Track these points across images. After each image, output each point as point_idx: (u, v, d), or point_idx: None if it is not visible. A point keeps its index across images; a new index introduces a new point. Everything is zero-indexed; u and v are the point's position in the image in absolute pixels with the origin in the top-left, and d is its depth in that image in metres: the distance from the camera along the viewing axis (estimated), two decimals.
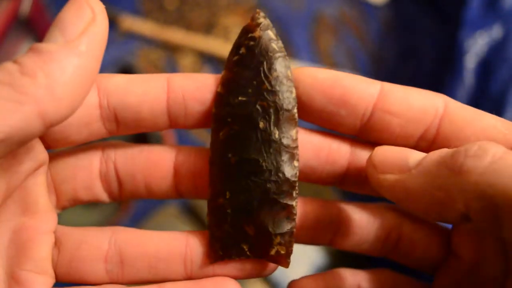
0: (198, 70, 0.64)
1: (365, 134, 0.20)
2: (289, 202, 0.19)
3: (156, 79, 0.20)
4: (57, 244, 0.20)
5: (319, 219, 0.21)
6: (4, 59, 0.55)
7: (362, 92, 0.19)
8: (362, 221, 0.22)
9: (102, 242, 0.20)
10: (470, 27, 0.50)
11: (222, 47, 0.65)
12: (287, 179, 0.19)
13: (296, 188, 0.20)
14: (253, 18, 0.20)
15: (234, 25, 0.68)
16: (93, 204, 0.53)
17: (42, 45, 0.16)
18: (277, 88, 0.19)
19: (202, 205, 0.53)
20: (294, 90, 0.19)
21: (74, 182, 0.21)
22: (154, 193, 0.21)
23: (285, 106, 0.19)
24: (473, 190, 0.15)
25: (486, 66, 0.49)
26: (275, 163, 0.19)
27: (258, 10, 0.20)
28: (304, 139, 0.20)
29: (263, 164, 0.19)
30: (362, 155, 0.21)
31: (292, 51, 0.66)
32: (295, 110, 0.19)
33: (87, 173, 0.21)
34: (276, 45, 0.20)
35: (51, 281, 0.19)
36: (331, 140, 0.21)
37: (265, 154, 0.19)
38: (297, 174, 0.20)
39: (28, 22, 0.55)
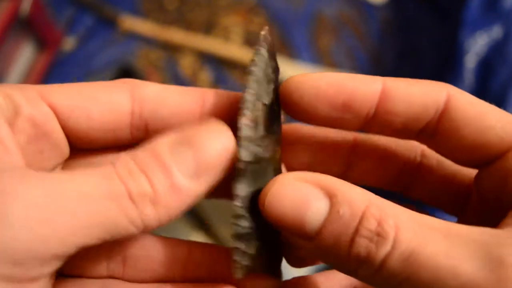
0: (198, 70, 0.64)
1: (368, 129, 0.20)
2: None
3: (192, 93, 0.20)
4: None
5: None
6: (4, 59, 0.55)
7: (365, 94, 0.19)
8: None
9: None
10: (470, 27, 0.50)
11: (222, 47, 0.65)
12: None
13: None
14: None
15: (234, 25, 0.68)
16: None
17: (176, 178, 0.17)
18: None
19: (202, 205, 0.53)
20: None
21: None
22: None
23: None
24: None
25: (486, 66, 0.49)
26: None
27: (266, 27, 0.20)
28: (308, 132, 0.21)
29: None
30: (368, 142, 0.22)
31: (292, 51, 0.66)
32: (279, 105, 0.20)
33: None
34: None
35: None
36: (335, 134, 0.22)
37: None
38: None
39: (28, 22, 0.55)
